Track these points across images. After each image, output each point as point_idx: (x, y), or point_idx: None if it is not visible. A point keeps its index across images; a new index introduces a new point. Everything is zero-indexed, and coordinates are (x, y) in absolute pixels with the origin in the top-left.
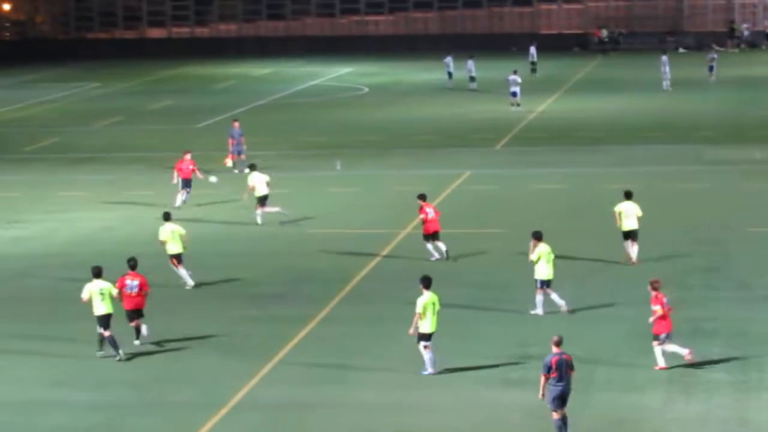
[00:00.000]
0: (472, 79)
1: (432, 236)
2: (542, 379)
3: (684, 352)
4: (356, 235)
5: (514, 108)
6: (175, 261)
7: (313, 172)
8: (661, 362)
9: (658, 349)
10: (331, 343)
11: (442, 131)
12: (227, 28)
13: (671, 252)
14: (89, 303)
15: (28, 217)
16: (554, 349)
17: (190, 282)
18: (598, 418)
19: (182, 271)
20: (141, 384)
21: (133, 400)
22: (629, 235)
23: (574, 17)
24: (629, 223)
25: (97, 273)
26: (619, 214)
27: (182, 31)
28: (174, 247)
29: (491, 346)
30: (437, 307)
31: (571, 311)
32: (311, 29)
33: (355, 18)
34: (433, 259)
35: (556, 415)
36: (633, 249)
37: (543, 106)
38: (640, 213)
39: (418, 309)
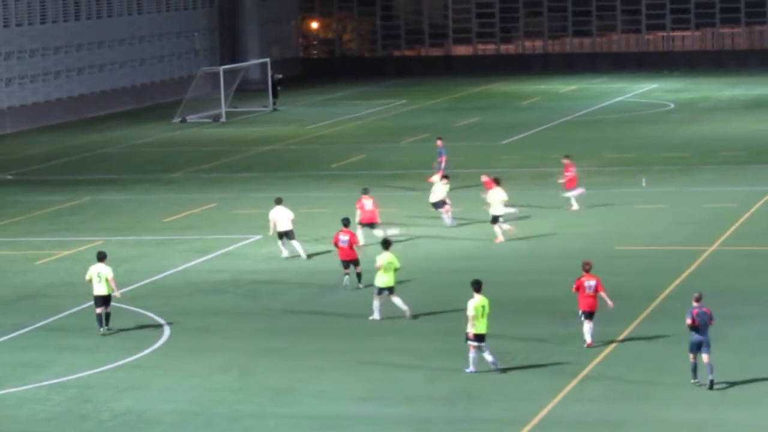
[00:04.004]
0: None
1: (368, 225)
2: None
3: (587, 337)
4: (663, 252)
5: None
6: None
7: (620, 189)
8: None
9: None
10: (636, 361)
11: (750, 147)
12: (533, 45)
13: None
14: (90, 283)
15: (332, 234)
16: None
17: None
18: None
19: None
20: (449, 399)
21: (440, 415)
22: None
23: None
24: None
25: (101, 257)
26: None
27: (488, 48)
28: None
29: None
30: (486, 310)
31: None
32: (617, 46)
33: (662, 34)
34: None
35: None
36: None
37: None
38: None
39: (470, 312)
